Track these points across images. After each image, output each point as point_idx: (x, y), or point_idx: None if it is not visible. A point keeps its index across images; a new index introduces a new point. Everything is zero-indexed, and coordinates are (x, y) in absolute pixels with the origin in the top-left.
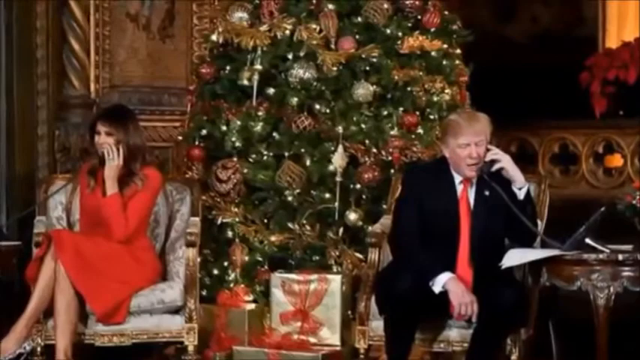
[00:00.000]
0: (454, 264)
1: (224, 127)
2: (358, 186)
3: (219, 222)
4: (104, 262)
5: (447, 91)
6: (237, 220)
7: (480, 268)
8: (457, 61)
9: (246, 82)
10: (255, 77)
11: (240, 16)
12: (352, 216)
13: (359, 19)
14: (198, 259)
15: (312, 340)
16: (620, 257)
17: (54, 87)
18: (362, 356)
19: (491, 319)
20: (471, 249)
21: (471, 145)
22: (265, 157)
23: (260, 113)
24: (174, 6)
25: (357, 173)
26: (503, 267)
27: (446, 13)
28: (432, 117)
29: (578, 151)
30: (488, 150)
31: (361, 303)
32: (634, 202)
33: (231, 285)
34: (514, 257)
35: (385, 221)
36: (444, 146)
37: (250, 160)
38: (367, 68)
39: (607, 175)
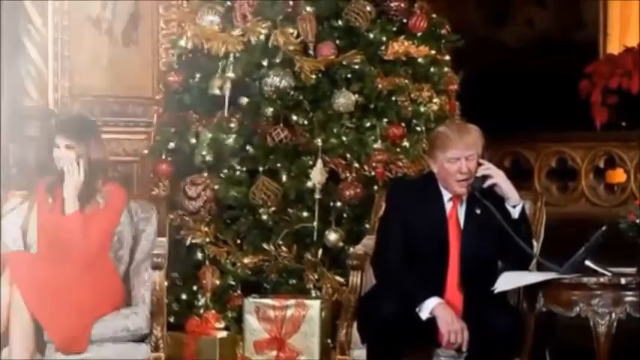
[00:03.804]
0: (443, 288)
1: (193, 140)
2: (339, 204)
3: (188, 243)
4: (63, 286)
5: (434, 100)
6: (207, 240)
7: (471, 293)
8: (446, 68)
9: (217, 92)
10: (227, 86)
11: (210, 19)
12: (332, 236)
13: (339, 22)
14: (166, 283)
15: None
16: (623, 281)
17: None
18: None
19: (483, 347)
20: (461, 272)
21: (460, 159)
22: (238, 173)
23: (232, 125)
24: (138, 8)
25: (338, 190)
26: (496, 291)
27: (434, 16)
28: (418, 129)
29: (577, 165)
30: (479, 165)
31: (342, 330)
32: (638, 220)
33: (201, 311)
34: (508, 281)
35: (368, 242)
36: (431, 160)
37: (222, 175)
38: (348, 76)
39: (608, 191)
